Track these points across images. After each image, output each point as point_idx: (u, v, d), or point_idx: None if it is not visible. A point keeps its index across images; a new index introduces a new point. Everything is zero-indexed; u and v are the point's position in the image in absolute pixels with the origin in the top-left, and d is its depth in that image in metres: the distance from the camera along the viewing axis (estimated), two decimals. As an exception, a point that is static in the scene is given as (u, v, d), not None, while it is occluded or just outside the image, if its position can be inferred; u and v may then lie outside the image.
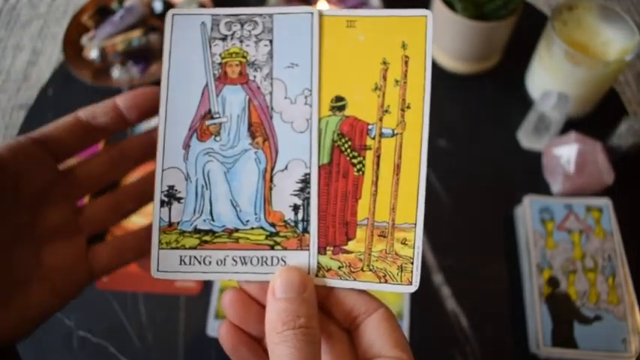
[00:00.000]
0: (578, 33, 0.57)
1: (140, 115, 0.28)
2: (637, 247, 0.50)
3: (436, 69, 0.65)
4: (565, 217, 0.50)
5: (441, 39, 0.63)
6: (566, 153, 0.54)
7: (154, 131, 0.29)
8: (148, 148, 0.30)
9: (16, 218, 0.25)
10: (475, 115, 0.63)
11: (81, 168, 0.28)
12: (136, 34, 0.66)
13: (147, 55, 0.66)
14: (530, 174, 0.57)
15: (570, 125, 0.58)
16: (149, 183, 0.30)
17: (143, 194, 0.31)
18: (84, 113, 0.27)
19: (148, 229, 0.30)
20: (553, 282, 0.47)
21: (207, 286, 0.52)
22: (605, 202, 0.51)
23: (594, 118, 0.61)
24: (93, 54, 0.66)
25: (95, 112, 0.27)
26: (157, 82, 0.68)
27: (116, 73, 0.65)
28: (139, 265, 0.54)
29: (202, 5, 0.69)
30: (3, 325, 0.24)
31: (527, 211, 0.51)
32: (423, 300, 0.50)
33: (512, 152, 0.59)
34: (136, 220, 0.57)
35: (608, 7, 0.56)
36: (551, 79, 0.58)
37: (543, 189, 0.56)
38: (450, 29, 0.59)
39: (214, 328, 0.49)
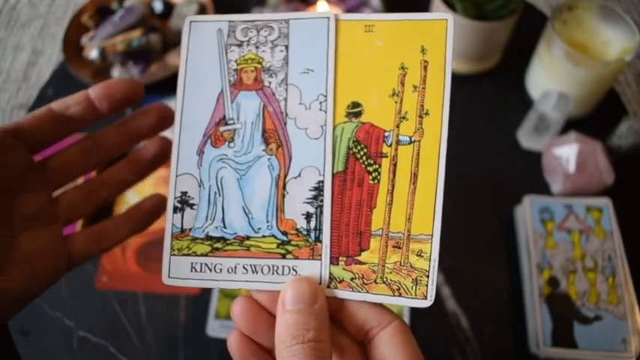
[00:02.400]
0: (578, 33, 0.57)
1: (111, 106, 0.28)
2: (637, 247, 0.50)
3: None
4: (565, 217, 0.50)
5: (441, 39, 0.62)
6: (566, 153, 0.54)
7: (127, 122, 0.30)
8: (122, 140, 0.30)
9: None
10: (475, 115, 0.63)
11: (55, 158, 0.29)
12: (135, 34, 0.66)
13: (147, 55, 0.66)
14: (530, 174, 0.57)
15: (570, 125, 0.58)
16: (126, 170, 0.31)
17: (120, 181, 0.31)
18: (56, 104, 0.27)
19: (125, 216, 0.31)
20: (553, 282, 0.47)
21: (207, 286, 0.52)
22: (605, 202, 0.51)
23: (594, 118, 0.61)
24: (93, 54, 0.66)
25: (68, 102, 0.27)
26: (157, 83, 0.68)
27: (116, 73, 0.65)
28: (139, 265, 0.54)
29: (202, 5, 0.69)
30: None
31: (527, 211, 0.51)
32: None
33: (512, 152, 0.59)
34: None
35: (608, 7, 0.56)
36: (551, 79, 0.58)
37: (543, 189, 0.56)
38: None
39: (214, 328, 0.49)
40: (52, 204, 0.28)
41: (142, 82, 0.63)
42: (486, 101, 0.64)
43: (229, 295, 0.51)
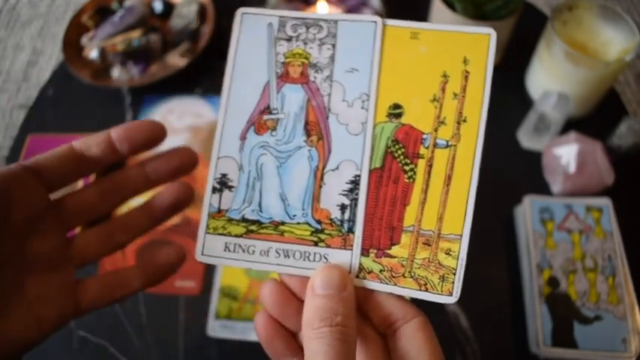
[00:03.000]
0: (578, 33, 0.57)
1: (132, 148, 0.28)
2: (637, 247, 0.50)
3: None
4: (565, 217, 0.50)
5: (441, 39, 0.63)
6: (566, 153, 0.54)
7: (147, 164, 0.30)
8: (141, 184, 0.30)
9: (3, 246, 0.24)
10: (475, 115, 0.63)
11: (72, 198, 0.28)
12: (136, 34, 0.66)
13: (147, 55, 0.66)
14: (530, 174, 0.57)
15: (570, 125, 0.58)
16: (142, 215, 0.30)
17: (135, 226, 0.30)
18: (78, 144, 0.27)
19: (140, 268, 0.30)
20: (553, 282, 0.47)
21: (207, 286, 0.52)
22: (605, 202, 0.51)
23: (594, 118, 0.61)
24: (93, 54, 0.66)
25: (88, 142, 0.27)
26: (157, 83, 0.68)
27: (116, 73, 0.65)
28: (139, 265, 0.54)
29: (202, 5, 0.70)
30: None
31: (527, 211, 0.51)
32: (423, 300, 0.50)
33: (512, 152, 0.59)
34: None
35: (608, 7, 0.56)
36: (551, 79, 0.58)
37: (543, 189, 0.56)
38: (450, 29, 0.59)
39: (214, 328, 0.49)
40: (66, 246, 0.28)
41: (142, 82, 0.63)
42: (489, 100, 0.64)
43: (229, 295, 0.51)
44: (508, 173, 0.58)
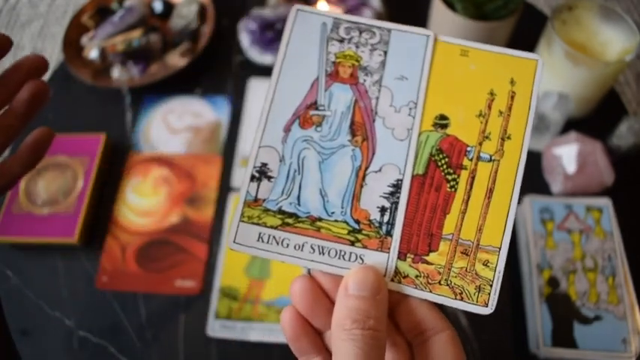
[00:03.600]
0: (578, 33, 0.57)
1: None
2: (637, 247, 0.50)
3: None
4: (565, 217, 0.50)
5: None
6: (566, 153, 0.54)
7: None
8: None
9: None
10: (475, 115, 0.63)
11: None
12: (136, 34, 0.66)
13: (147, 55, 0.66)
14: (530, 174, 0.57)
15: (570, 125, 0.58)
16: (9, 117, 0.31)
17: (5, 127, 0.31)
18: None
19: (17, 156, 0.32)
20: (553, 282, 0.47)
21: (207, 286, 0.52)
22: (605, 202, 0.51)
23: (594, 118, 0.61)
24: (93, 54, 0.66)
25: None
26: (157, 83, 0.68)
27: (116, 73, 0.65)
28: (139, 265, 0.54)
29: (202, 7, 0.70)
30: None
31: (527, 211, 0.51)
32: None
33: (512, 152, 0.59)
34: (135, 220, 0.57)
35: (608, 7, 0.56)
36: (551, 79, 0.58)
37: (543, 189, 0.56)
38: (450, 29, 0.59)
39: (214, 328, 0.49)
40: None
41: (142, 82, 0.63)
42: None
43: (229, 295, 0.51)
44: (508, 173, 0.58)
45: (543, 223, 0.50)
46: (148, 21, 0.70)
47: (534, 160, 0.58)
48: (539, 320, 0.46)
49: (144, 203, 0.57)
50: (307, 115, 0.27)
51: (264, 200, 0.26)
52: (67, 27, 0.68)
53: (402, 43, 0.27)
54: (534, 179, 0.57)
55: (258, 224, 0.25)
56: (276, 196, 0.26)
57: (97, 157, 0.58)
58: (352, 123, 0.26)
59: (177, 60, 0.66)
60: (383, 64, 0.27)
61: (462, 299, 0.24)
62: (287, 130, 0.26)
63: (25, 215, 0.55)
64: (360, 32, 0.27)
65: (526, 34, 0.63)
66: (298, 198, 0.26)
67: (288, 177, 0.26)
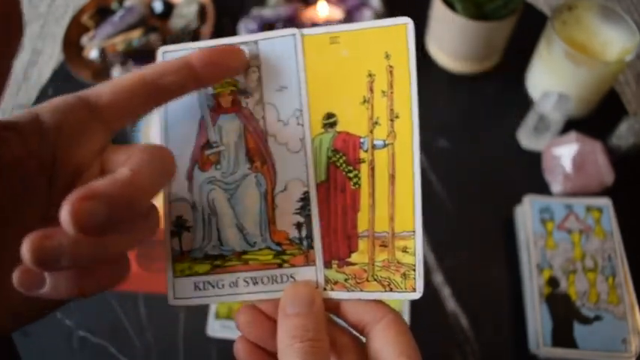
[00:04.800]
0: (578, 33, 0.57)
1: (216, 74, 0.25)
2: (637, 247, 0.50)
3: (436, 69, 0.65)
4: (565, 217, 0.50)
5: (441, 39, 0.63)
6: (566, 153, 0.54)
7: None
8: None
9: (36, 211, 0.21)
10: (475, 115, 0.63)
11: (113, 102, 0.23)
12: (135, 34, 0.66)
13: (147, 55, 0.66)
14: (530, 174, 0.57)
15: (570, 125, 0.58)
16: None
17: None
18: (149, 72, 0.23)
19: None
20: (553, 282, 0.47)
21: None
22: (605, 202, 0.51)
23: (594, 118, 0.61)
24: (93, 54, 0.66)
25: (162, 70, 0.23)
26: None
27: (116, 73, 0.65)
28: (139, 265, 0.54)
29: (202, 7, 0.69)
30: None
31: (527, 211, 0.51)
32: (423, 300, 0.50)
33: (512, 152, 0.59)
34: (136, 220, 0.57)
35: (608, 7, 0.56)
36: (551, 79, 0.58)
37: (543, 189, 0.56)
38: (450, 29, 0.59)
39: (214, 328, 0.49)
40: None
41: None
42: (486, 101, 0.64)
43: (229, 295, 0.51)
44: (508, 173, 0.58)
45: (543, 223, 0.50)
46: (148, 21, 0.70)
47: (534, 160, 0.58)
48: (539, 320, 0.46)
49: (144, 203, 0.57)
50: (204, 156, 0.26)
51: (189, 251, 0.26)
52: (67, 27, 0.68)
53: (271, 51, 0.26)
54: (534, 179, 0.57)
55: (190, 275, 0.26)
56: (199, 244, 0.26)
57: (97, 157, 0.58)
58: (247, 150, 0.26)
59: (177, 60, 0.66)
60: (259, 80, 0.26)
61: (391, 290, 0.25)
62: (190, 177, 0.26)
63: (25, 215, 0.55)
64: None
65: (526, 34, 0.63)
66: (219, 239, 0.26)
67: (204, 222, 0.26)
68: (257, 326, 0.25)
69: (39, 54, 0.76)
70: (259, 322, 0.25)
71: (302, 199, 0.25)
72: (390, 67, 0.25)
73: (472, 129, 0.62)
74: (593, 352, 0.44)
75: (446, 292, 0.51)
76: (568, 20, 0.57)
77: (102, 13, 0.70)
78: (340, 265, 0.25)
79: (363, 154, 0.25)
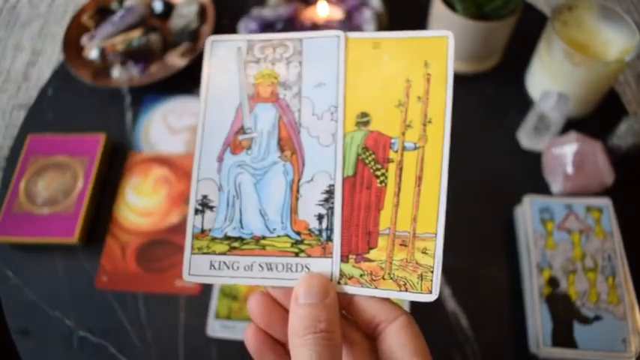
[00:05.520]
0: (578, 33, 0.57)
1: None
2: (637, 247, 0.50)
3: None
4: (565, 217, 0.50)
5: (441, 39, 0.62)
6: (566, 153, 0.54)
7: None
8: None
9: None
10: (475, 115, 0.63)
11: None
12: (136, 34, 0.66)
13: (147, 55, 0.66)
14: (530, 174, 0.57)
15: (570, 125, 0.58)
16: None
17: None
18: None
19: None
20: (553, 282, 0.47)
21: (207, 286, 0.52)
22: (605, 202, 0.51)
23: (594, 118, 0.61)
24: (93, 54, 0.66)
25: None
26: (157, 83, 0.68)
27: (116, 73, 0.65)
28: (139, 265, 0.54)
29: (202, 7, 0.69)
30: None
31: (527, 211, 0.51)
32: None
33: (512, 152, 0.59)
34: (135, 220, 0.58)
35: (608, 7, 0.56)
36: (551, 79, 0.58)
37: (543, 189, 0.56)
38: (450, 29, 0.59)
39: (214, 328, 0.49)
40: None
41: (142, 82, 0.63)
42: (486, 101, 0.64)
43: (229, 295, 0.51)
44: (508, 173, 0.58)
45: (543, 223, 0.50)
46: (148, 21, 0.70)
47: (534, 160, 0.58)
48: (539, 320, 0.46)
49: (144, 203, 0.58)
50: (236, 140, 0.28)
51: (210, 230, 0.27)
52: (67, 27, 0.68)
53: (314, 49, 0.28)
54: (534, 179, 0.57)
55: (208, 253, 0.27)
56: (220, 224, 0.27)
57: (97, 157, 0.58)
58: (279, 139, 0.27)
59: (177, 60, 0.66)
60: (300, 75, 0.28)
61: (406, 290, 0.25)
62: (220, 159, 0.28)
63: (25, 215, 0.55)
64: (274, 48, 0.28)
65: (526, 34, 0.63)
66: (240, 222, 0.27)
67: (228, 204, 0.27)
68: (267, 313, 0.25)
69: (39, 54, 0.76)
70: (270, 309, 0.25)
71: (327, 192, 0.26)
72: (428, 75, 0.26)
73: (472, 129, 0.61)
74: (593, 352, 0.44)
75: (446, 292, 0.51)
76: (568, 20, 0.57)
77: (102, 13, 0.70)
78: (357, 260, 0.25)
79: (392, 154, 0.26)
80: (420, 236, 0.25)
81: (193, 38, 0.68)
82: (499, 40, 0.61)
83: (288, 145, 0.27)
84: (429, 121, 0.26)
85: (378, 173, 0.26)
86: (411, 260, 0.25)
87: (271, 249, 0.26)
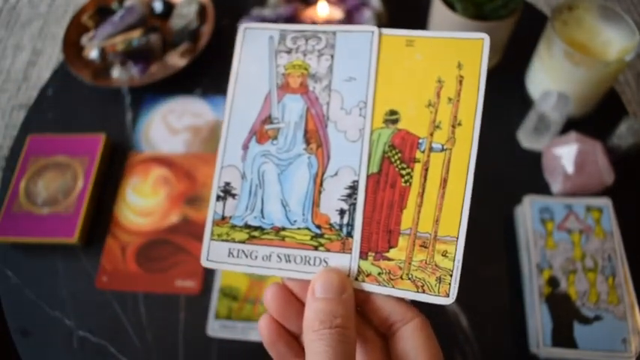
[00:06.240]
0: (578, 33, 0.57)
1: None
2: (637, 247, 0.50)
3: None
4: (565, 217, 0.50)
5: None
6: (566, 153, 0.54)
7: None
8: None
9: None
10: (475, 115, 0.63)
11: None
12: (135, 34, 0.66)
13: (147, 55, 0.66)
14: (530, 174, 0.57)
15: (570, 125, 0.58)
16: None
17: None
18: None
19: None
20: (553, 282, 0.47)
21: (207, 286, 0.52)
22: (605, 202, 0.51)
23: (594, 118, 0.61)
24: (93, 54, 0.66)
25: None
26: (157, 83, 0.68)
27: (116, 73, 0.65)
28: (139, 265, 0.54)
29: (202, 7, 0.69)
30: None
31: (527, 211, 0.51)
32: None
33: (512, 152, 0.59)
34: (135, 220, 0.58)
35: (608, 7, 0.56)
36: (551, 79, 0.58)
37: (543, 189, 0.56)
38: (450, 29, 0.59)
39: (214, 328, 0.49)
40: None
41: (142, 82, 0.63)
42: (486, 101, 0.64)
43: (229, 295, 0.51)
44: (508, 173, 0.58)
45: (543, 223, 0.50)
46: (148, 21, 0.70)
47: (534, 160, 0.58)
48: (539, 320, 0.46)
49: (144, 203, 0.58)
50: (263, 129, 0.27)
51: (230, 217, 0.27)
52: (67, 27, 0.68)
53: (347, 43, 0.27)
54: (534, 179, 0.57)
55: (227, 240, 0.27)
56: (241, 212, 0.27)
57: (97, 157, 0.58)
58: (306, 131, 0.27)
59: (177, 60, 0.66)
60: (331, 68, 0.27)
61: (423, 291, 0.25)
62: (245, 147, 0.27)
63: (25, 215, 0.55)
64: (307, 40, 0.28)
65: (526, 34, 0.63)
66: (262, 211, 0.27)
67: (250, 193, 0.27)
68: (283, 304, 0.25)
69: (39, 54, 0.76)
70: (286, 300, 0.25)
71: (350, 187, 0.26)
72: (461, 76, 0.26)
73: (472, 129, 0.61)
74: (593, 352, 0.44)
75: (446, 292, 0.51)
76: (568, 20, 0.57)
77: (102, 13, 0.70)
78: (377, 258, 0.25)
79: (419, 155, 0.26)
80: (441, 239, 0.25)
81: (193, 38, 0.68)
82: (499, 40, 0.61)
83: (315, 137, 0.27)
84: (459, 124, 0.25)
85: (403, 172, 0.26)
86: (430, 262, 0.25)
87: (290, 241, 0.26)
